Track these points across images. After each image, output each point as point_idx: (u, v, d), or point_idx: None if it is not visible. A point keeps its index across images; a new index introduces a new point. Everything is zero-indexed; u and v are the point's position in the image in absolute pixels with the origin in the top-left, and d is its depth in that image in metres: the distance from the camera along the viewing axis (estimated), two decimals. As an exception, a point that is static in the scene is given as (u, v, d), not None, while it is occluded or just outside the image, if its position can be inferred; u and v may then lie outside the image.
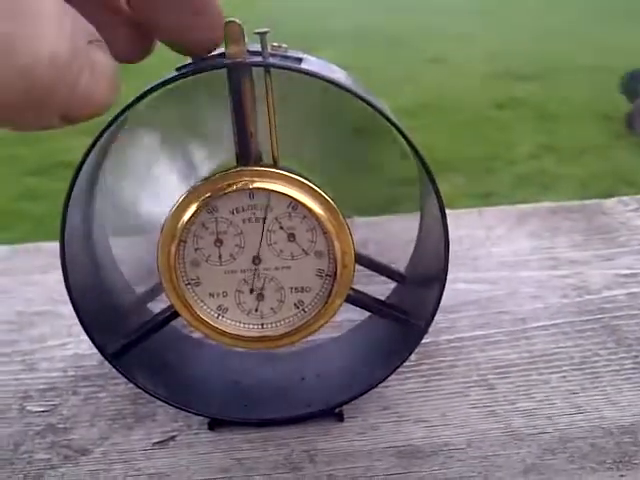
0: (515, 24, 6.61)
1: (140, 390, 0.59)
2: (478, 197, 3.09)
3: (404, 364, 0.58)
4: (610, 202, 0.96)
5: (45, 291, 0.82)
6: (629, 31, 5.94)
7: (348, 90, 0.49)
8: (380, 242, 0.83)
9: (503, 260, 0.83)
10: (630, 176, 3.28)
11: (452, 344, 0.68)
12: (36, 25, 0.31)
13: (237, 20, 0.48)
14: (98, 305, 0.59)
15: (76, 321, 0.75)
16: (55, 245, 0.94)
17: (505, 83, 4.90)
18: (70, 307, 0.78)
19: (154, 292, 0.64)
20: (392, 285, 0.67)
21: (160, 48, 0.46)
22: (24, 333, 0.74)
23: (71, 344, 0.72)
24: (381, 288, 0.66)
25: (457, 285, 0.77)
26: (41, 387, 0.66)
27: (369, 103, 0.50)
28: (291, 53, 0.52)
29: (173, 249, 0.52)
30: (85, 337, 0.71)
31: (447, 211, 0.53)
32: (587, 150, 3.71)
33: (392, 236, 0.85)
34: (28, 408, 0.63)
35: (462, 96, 4.58)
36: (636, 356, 0.65)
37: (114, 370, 0.59)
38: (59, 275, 0.85)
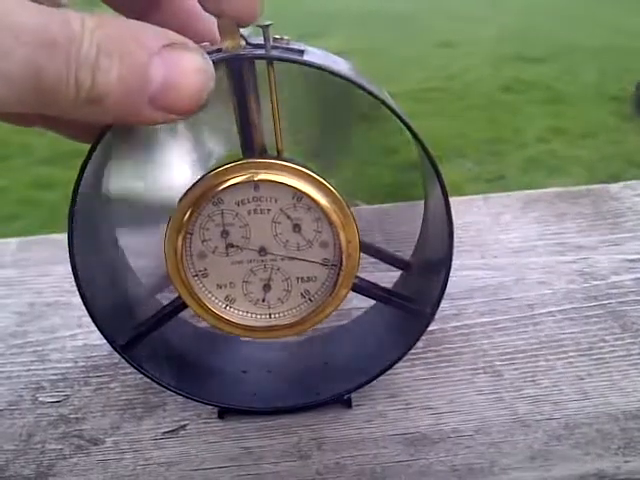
0: (524, 6, 6.57)
1: (149, 380, 0.60)
2: (486, 182, 3.09)
3: (411, 351, 0.59)
4: (617, 187, 0.96)
5: (55, 282, 0.83)
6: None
7: (351, 81, 0.49)
8: (385, 229, 0.83)
9: (510, 246, 0.83)
10: (638, 158, 3.27)
11: (459, 331, 0.69)
12: None
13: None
14: (107, 297, 0.60)
15: (85, 312, 0.76)
16: (65, 237, 0.95)
17: (514, 66, 4.88)
18: (79, 298, 0.79)
19: (162, 284, 0.64)
20: (397, 273, 0.67)
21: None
22: (35, 324, 0.75)
23: (81, 335, 0.72)
24: (386, 275, 0.66)
25: (464, 272, 0.77)
26: (52, 378, 0.66)
27: (372, 94, 0.50)
28: (293, 45, 0.52)
29: (180, 241, 0.53)
30: (95, 328, 0.72)
31: (452, 198, 0.54)
32: (596, 132, 3.70)
33: (398, 223, 0.85)
34: (40, 399, 0.64)
35: (471, 79, 4.57)
36: (642, 341, 0.65)
37: (124, 360, 0.59)
38: (69, 266, 0.87)
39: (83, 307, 0.66)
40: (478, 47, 5.35)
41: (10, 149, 3.83)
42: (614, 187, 0.95)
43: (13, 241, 0.95)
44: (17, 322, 0.76)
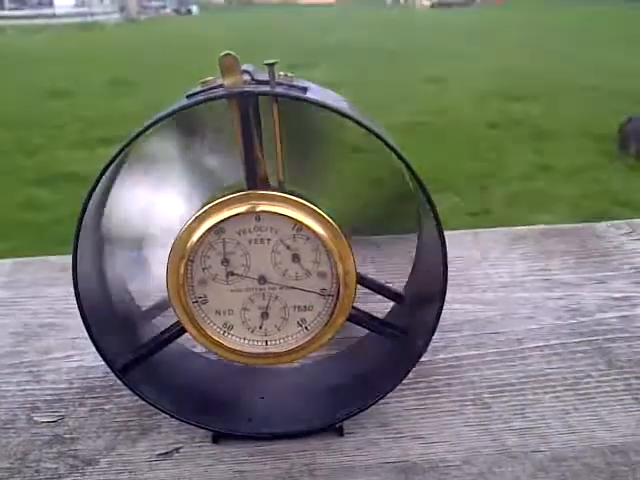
0: (512, 44, 6.65)
1: (144, 403, 0.61)
2: (471, 215, 3.11)
3: (401, 381, 0.60)
4: (603, 225, 0.98)
5: (50, 304, 0.84)
6: (627, 55, 5.99)
7: (352, 119, 0.51)
8: (377, 262, 0.84)
9: (498, 281, 0.85)
10: (623, 197, 3.30)
11: (448, 363, 0.70)
12: None
13: (232, 53, 0.51)
14: (106, 320, 0.61)
15: (80, 334, 0.76)
16: (59, 259, 0.97)
17: (501, 102, 4.94)
18: (74, 320, 0.80)
19: (160, 308, 0.65)
20: (386, 303, 0.68)
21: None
22: (30, 344, 0.76)
23: (76, 356, 0.73)
24: (378, 306, 0.67)
25: (453, 305, 0.79)
26: (48, 398, 0.67)
27: (372, 131, 0.52)
28: (297, 82, 0.54)
29: (182, 268, 0.54)
30: (90, 349, 0.73)
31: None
32: (580, 171, 3.74)
33: (389, 256, 0.87)
34: (35, 418, 0.64)
35: (458, 115, 4.61)
36: (627, 378, 0.67)
37: (119, 383, 0.60)
38: (63, 288, 0.88)
39: (78, 329, 0.67)
40: (465, 83, 5.41)
41: None
42: (600, 226, 0.98)
43: (7, 262, 0.96)
44: (12, 343, 0.77)
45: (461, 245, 0.93)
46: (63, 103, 5.75)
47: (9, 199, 3.45)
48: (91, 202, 0.54)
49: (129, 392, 0.62)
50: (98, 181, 0.53)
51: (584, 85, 5.21)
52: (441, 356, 0.71)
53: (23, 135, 4.72)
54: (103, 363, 0.70)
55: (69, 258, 0.96)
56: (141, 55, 8.27)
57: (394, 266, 0.80)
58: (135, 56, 8.23)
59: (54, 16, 16.23)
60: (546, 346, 0.72)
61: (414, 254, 0.69)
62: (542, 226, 0.99)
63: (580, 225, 0.99)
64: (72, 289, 0.86)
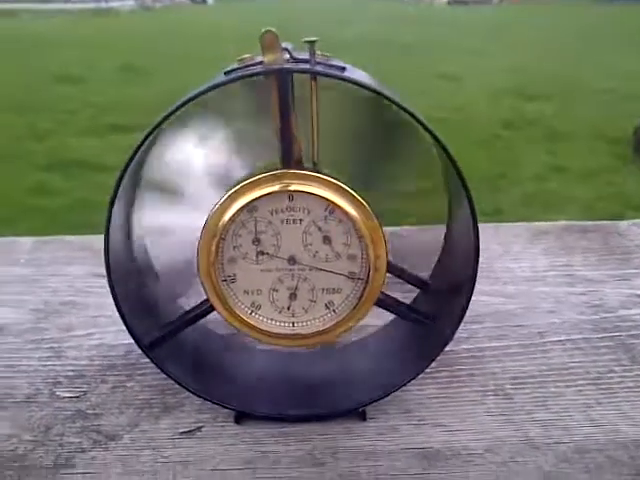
0: (528, 44, 6.64)
1: (166, 382, 0.61)
2: (483, 215, 3.10)
3: (426, 369, 0.60)
4: (625, 224, 0.98)
5: (70, 282, 0.84)
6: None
7: (390, 99, 0.51)
8: (399, 251, 0.84)
9: (520, 275, 0.85)
10: (636, 200, 3.29)
11: (470, 353, 0.70)
12: None
13: (273, 29, 0.51)
14: (135, 297, 0.61)
15: (101, 312, 0.77)
16: (78, 238, 0.97)
17: (515, 101, 4.92)
18: (94, 299, 0.80)
19: (186, 287, 0.65)
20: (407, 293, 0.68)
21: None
22: (51, 321, 0.76)
23: (97, 334, 0.73)
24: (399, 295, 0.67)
25: (476, 297, 0.78)
26: (70, 374, 0.67)
27: (410, 113, 0.52)
28: (334, 62, 0.54)
29: (213, 246, 0.54)
30: (110, 328, 0.74)
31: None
32: (594, 173, 3.73)
33: (412, 246, 0.86)
34: (58, 393, 0.65)
35: (472, 113, 4.60)
36: (650, 374, 0.67)
37: (141, 361, 0.60)
38: (83, 267, 0.88)
39: (98, 307, 0.67)
40: (481, 80, 5.39)
41: (10, 155, 3.85)
42: (622, 224, 0.98)
43: (28, 240, 0.97)
44: (33, 319, 0.77)
45: (482, 238, 0.92)
46: (75, 89, 5.74)
47: (20, 184, 3.45)
48: (127, 174, 0.54)
49: (151, 371, 0.62)
50: (136, 152, 0.53)
51: (599, 87, 5.19)
52: (463, 346, 0.71)
53: (34, 120, 4.71)
54: (124, 342, 0.71)
55: (88, 238, 0.97)
56: (155, 43, 8.27)
57: (417, 256, 0.80)
58: (149, 44, 8.22)
59: (69, 1, 16.23)
60: (568, 340, 0.72)
61: (438, 244, 0.69)
62: (564, 222, 0.99)
63: (602, 222, 0.99)
64: (92, 269, 0.87)
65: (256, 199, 0.54)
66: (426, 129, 0.52)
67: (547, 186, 3.54)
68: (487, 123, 4.45)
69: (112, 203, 0.54)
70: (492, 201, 3.27)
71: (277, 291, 0.57)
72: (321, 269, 0.56)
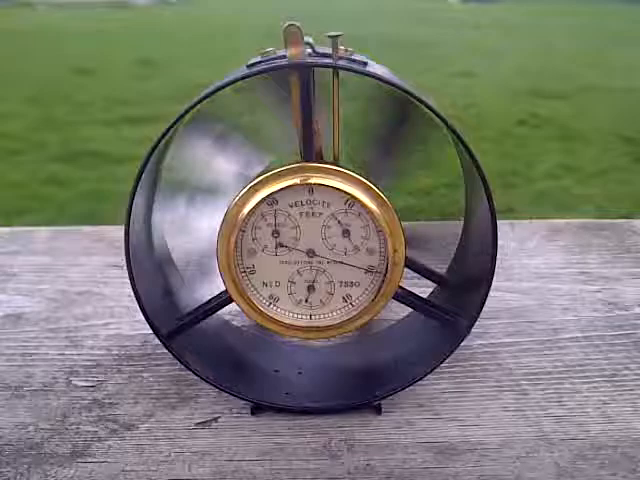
0: (543, 43, 6.62)
1: (183, 372, 0.61)
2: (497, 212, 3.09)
3: (442, 364, 0.60)
4: (640, 222, 0.98)
5: (86, 272, 0.85)
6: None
7: (413, 95, 0.51)
8: (415, 246, 0.84)
9: (535, 272, 0.85)
10: (649, 201, 3.28)
11: (485, 349, 0.70)
12: None
13: (296, 23, 0.51)
14: (153, 288, 0.61)
15: (117, 303, 0.77)
16: (94, 229, 0.97)
17: (530, 100, 4.91)
18: (111, 289, 0.81)
19: (204, 280, 0.65)
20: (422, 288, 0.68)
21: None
22: (68, 311, 0.77)
23: (114, 324, 0.74)
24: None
25: (491, 293, 0.78)
26: (86, 363, 0.68)
27: (432, 110, 0.52)
28: (357, 57, 0.54)
29: (233, 238, 0.54)
30: (127, 319, 0.74)
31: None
32: (607, 173, 3.71)
33: (427, 241, 0.86)
34: (74, 382, 0.65)
35: (486, 110, 4.59)
36: (665, 372, 0.67)
37: (157, 352, 0.61)
38: (100, 258, 0.88)
39: (115, 298, 0.67)
40: (495, 79, 5.38)
41: (23, 145, 3.87)
42: (637, 223, 0.98)
43: (44, 230, 0.97)
44: (49, 308, 0.78)
45: (498, 235, 0.92)
46: (90, 80, 5.75)
47: (33, 174, 3.46)
48: (149, 163, 0.54)
49: (167, 361, 0.62)
50: (159, 141, 0.53)
51: (615, 86, 5.17)
52: (478, 342, 0.71)
53: (49, 111, 4.72)
54: (140, 332, 0.71)
55: (105, 228, 0.97)
56: (172, 37, 8.26)
57: (434, 251, 0.80)
58: (166, 37, 8.22)
59: (85, -7, 16.23)
60: (583, 337, 0.72)
61: (454, 240, 0.69)
62: (579, 220, 0.99)
63: (617, 221, 0.99)
64: (108, 259, 0.87)
65: (276, 192, 0.54)
66: (448, 127, 0.53)
67: (560, 185, 3.52)
68: (502, 121, 4.43)
69: (134, 193, 0.55)
70: (504, 199, 3.27)
71: (295, 283, 0.57)
72: (339, 262, 0.56)
